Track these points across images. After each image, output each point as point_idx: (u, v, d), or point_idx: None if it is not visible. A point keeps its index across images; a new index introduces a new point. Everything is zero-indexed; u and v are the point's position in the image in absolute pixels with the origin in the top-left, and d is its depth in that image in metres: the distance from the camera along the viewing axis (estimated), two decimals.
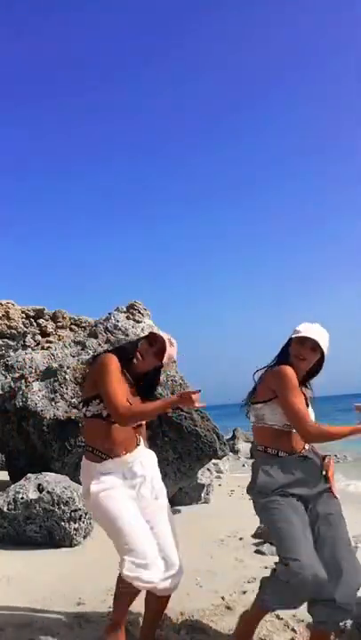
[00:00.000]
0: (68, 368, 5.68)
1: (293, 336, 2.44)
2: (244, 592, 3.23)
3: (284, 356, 2.49)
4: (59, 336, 6.85)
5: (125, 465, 2.41)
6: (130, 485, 2.42)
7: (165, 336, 2.51)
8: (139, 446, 2.50)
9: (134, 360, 2.48)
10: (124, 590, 2.31)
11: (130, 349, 2.54)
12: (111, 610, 2.90)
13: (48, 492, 4.29)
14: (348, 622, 2.65)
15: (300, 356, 2.41)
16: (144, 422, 2.61)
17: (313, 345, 2.40)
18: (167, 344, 2.48)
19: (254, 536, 4.48)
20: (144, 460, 2.50)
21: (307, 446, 2.44)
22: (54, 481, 4.42)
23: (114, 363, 2.41)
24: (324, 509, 2.36)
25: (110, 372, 2.36)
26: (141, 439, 2.56)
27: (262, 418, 2.45)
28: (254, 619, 2.43)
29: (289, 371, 2.37)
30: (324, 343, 2.41)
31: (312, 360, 2.44)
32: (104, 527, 2.36)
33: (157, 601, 2.40)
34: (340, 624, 2.44)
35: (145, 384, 2.58)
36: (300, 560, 2.08)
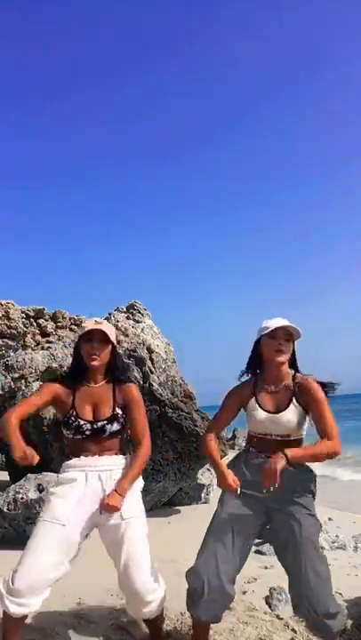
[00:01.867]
0: (67, 368, 5.68)
1: (263, 334, 2.39)
2: (244, 592, 3.24)
3: (254, 362, 2.49)
4: (59, 336, 6.85)
5: (85, 465, 2.37)
6: (88, 493, 2.32)
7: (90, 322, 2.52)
8: (108, 456, 2.41)
9: (87, 362, 2.44)
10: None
11: (75, 361, 2.55)
12: (111, 610, 2.91)
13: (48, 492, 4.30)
14: (349, 622, 2.65)
15: (278, 349, 2.37)
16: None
17: (286, 333, 2.37)
18: (91, 324, 2.45)
19: None
20: (114, 474, 2.37)
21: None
22: (54, 481, 4.42)
23: (45, 386, 2.54)
24: (289, 526, 2.30)
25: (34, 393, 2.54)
26: (117, 454, 2.45)
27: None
28: (195, 629, 2.39)
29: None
30: (294, 329, 2.38)
31: (289, 350, 2.40)
32: None
33: (148, 623, 2.45)
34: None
35: (109, 371, 2.51)
36: (194, 565, 2.25)
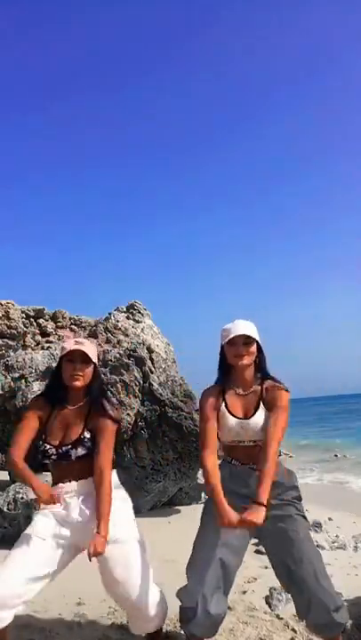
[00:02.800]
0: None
1: (223, 343, 2.38)
2: (244, 592, 3.24)
3: (223, 369, 2.46)
4: (59, 336, 6.85)
5: (67, 492, 2.32)
6: (69, 515, 2.29)
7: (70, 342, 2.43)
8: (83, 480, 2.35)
9: (68, 383, 2.37)
10: None
11: (52, 378, 2.48)
12: (111, 610, 2.90)
13: None
14: (349, 622, 2.65)
15: (238, 355, 2.35)
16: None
17: (244, 340, 2.35)
18: (72, 344, 2.39)
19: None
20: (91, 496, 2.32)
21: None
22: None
23: (30, 408, 2.43)
24: (280, 526, 2.29)
25: (22, 420, 2.41)
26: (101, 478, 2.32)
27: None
28: None
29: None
30: (252, 332, 2.36)
31: (251, 353, 2.37)
32: None
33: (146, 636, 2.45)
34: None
35: (89, 394, 2.43)
36: (187, 585, 2.19)
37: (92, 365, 2.40)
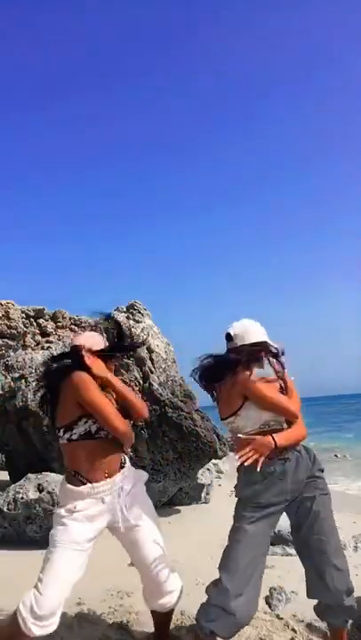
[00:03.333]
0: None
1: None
2: None
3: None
4: (59, 336, 6.84)
5: (104, 490, 2.29)
6: (104, 512, 2.30)
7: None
8: (123, 468, 2.38)
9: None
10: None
11: (75, 360, 2.40)
12: (111, 610, 2.91)
13: (48, 492, 4.30)
14: (349, 622, 2.65)
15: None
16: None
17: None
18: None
19: None
20: (126, 485, 2.36)
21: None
22: (54, 481, 4.42)
23: (90, 378, 2.30)
24: (310, 508, 2.31)
25: (95, 389, 2.28)
26: (127, 459, 2.45)
27: (238, 429, 2.36)
28: None
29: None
30: (243, 335, 2.39)
31: None
32: (46, 554, 2.28)
33: (160, 615, 2.45)
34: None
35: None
36: (242, 597, 2.16)
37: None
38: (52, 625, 2.15)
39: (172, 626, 2.67)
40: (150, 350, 5.81)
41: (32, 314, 6.66)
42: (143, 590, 2.42)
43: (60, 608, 2.20)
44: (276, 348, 2.40)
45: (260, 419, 2.30)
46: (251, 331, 2.40)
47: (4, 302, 6.46)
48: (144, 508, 2.40)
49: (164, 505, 5.83)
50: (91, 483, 2.26)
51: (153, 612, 2.47)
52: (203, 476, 6.25)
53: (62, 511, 2.27)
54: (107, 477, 2.29)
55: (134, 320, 6.21)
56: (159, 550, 2.37)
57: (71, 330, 7.02)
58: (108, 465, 2.31)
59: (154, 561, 2.33)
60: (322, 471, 2.41)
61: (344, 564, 2.28)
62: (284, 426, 2.33)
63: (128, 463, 2.44)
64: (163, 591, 2.35)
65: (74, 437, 2.29)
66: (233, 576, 2.18)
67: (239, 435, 2.28)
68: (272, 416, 2.31)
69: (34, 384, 5.62)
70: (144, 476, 2.50)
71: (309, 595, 2.34)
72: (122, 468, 2.37)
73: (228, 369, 2.34)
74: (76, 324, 7.33)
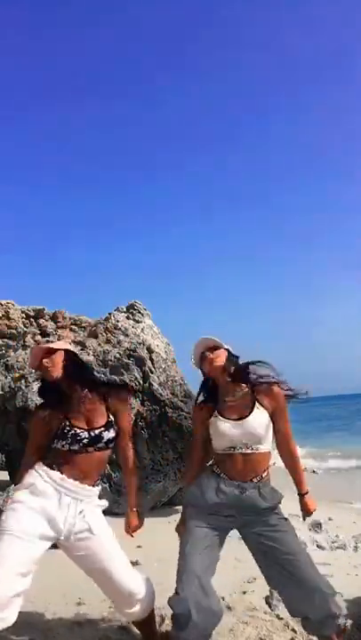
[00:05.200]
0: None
1: (196, 364, 2.51)
2: (244, 592, 3.24)
3: (206, 385, 2.53)
4: (59, 336, 6.84)
5: (69, 489, 2.28)
6: (55, 512, 2.24)
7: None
8: (96, 487, 2.38)
9: (46, 378, 2.43)
10: None
11: (42, 384, 2.53)
12: (111, 610, 2.90)
13: None
14: (349, 622, 2.64)
15: (206, 358, 2.43)
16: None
17: (205, 347, 2.46)
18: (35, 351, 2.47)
19: None
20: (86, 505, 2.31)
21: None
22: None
23: (33, 418, 2.44)
24: (267, 529, 2.29)
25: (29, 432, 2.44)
26: (98, 487, 2.41)
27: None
28: None
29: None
30: (212, 338, 2.46)
31: (219, 355, 2.42)
32: None
33: (138, 624, 2.47)
34: (341, 623, 2.42)
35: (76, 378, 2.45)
36: (179, 593, 2.13)
37: (57, 353, 2.41)
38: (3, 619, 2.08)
39: (171, 627, 2.67)
40: (150, 350, 5.81)
41: (32, 314, 6.66)
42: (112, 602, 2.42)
43: (10, 603, 2.09)
44: None
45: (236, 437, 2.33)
46: None
47: (3, 302, 6.46)
48: (96, 524, 2.32)
49: (164, 505, 5.83)
50: (62, 474, 2.29)
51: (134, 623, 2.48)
52: None
53: (18, 494, 2.27)
54: (77, 481, 2.30)
55: (134, 320, 6.21)
56: (116, 560, 2.30)
57: (71, 330, 7.03)
58: (84, 473, 2.32)
59: (111, 573, 2.27)
60: (273, 509, 2.34)
61: (317, 573, 2.22)
62: (255, 450, 2.31)
63: (99, 488, 2.41)
64: (128, 601, 2.31)
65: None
66: (180, 580, 2.20)
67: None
68: (250, 437, 2.31)
69: (34, 384, 5.62)
70: (103, 504, 2.45)
71: (295, 614, 2.26)
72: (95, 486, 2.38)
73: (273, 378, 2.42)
74: (76, 324, 7.33)
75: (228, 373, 2.42)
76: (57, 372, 2.39)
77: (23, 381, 5.67)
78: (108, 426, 2.37)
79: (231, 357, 2.46)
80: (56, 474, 2.28)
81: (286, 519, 2.36)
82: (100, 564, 2.27)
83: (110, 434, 2.37)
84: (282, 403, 2.37)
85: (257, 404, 2.34)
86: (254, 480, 2.30)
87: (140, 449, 5.37)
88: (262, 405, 2.34)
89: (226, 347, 2.48)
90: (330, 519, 5.73)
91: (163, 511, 5.63)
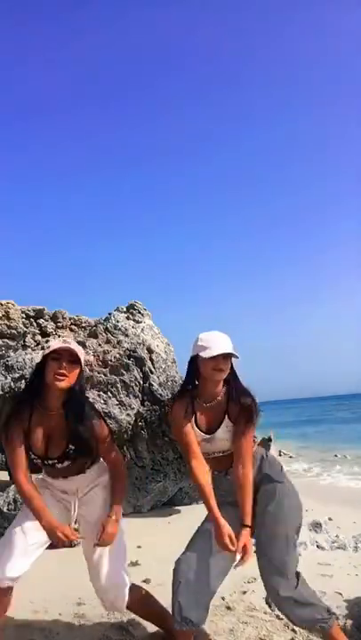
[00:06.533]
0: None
1: (205, 356, 2.25)
2: (244, 592, 3.24)
3: (191, 377, 2.38)
4: (59, 336, 6.84)
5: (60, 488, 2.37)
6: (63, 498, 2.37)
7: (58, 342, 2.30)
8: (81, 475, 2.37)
9: (51, 382, 2.21)
10: None
11: (34, 376, 2.32)
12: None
13: None
14: (349, 622, 2.65)
15: (218, 369, 2.28)
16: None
17: (225, 357, 2.28)
18: (59, 342, 2.26)
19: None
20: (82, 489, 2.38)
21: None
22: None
23: (8, 431, 2.25)
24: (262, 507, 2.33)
25: (6, 446, 2.28)
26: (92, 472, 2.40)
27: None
28: None
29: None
30: (232, 348, 2.29)
31: (228, 368, 2.32)
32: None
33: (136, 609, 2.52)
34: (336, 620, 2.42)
35: (70, 406, 2.28)
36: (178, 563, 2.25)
37: (79, 368, 2.25)
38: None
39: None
40: (150, 350, 5.81)
41: (32, 314, 6.65)
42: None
43: (23, 564, 2.22)
44: None
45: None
46: None
47: (4, 302, 6.45)
48: (94, 510, 2.38)
49: (164, 505, 5.83)
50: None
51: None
52: None
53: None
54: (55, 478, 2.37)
55: (134, 320, 6.21)
56: (117, 552, 2.37)
57: (71, 330, 7.03)
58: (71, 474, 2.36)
59: (103, 565, 2.34)
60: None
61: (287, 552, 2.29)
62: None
63: (86, 475, 2.40)
64: (107, 589, 2.35)
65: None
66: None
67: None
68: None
69: None
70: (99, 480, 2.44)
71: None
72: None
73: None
74: (76, 324, 7.33)
75: (221, 383, 2.35)
76: (66, 385, 2.23)
77: (23, 381, 5.67)
78: (62, 458, 2.28)
79: (232, 369, 2.37)
80: (44, 478, 2.38)
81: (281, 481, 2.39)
82: (93, 550, 2.32)
83: (65, 464, 2.30)
84: (250, 421, 2.32)
85: (226, 417, 2.32)
86: (229, 470, 2.38)
87: (140, 449, 5.37)
88: (230, 418, 2.32)
89: (236, 355, 2.32)
90: (330, 519, 5.73)
91: (163, 511, 5.63)
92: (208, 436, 2.34)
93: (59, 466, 2.31)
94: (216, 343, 2.28)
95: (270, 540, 2.26)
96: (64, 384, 2.21)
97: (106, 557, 2.33)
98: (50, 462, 2.30)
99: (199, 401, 2.36)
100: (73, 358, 2.22)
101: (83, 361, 2.26)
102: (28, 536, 2.24)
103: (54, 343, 2.27)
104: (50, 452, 2.29)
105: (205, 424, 2.35)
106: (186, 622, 2.17)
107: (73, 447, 2.27)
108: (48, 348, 2.28)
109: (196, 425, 2.34)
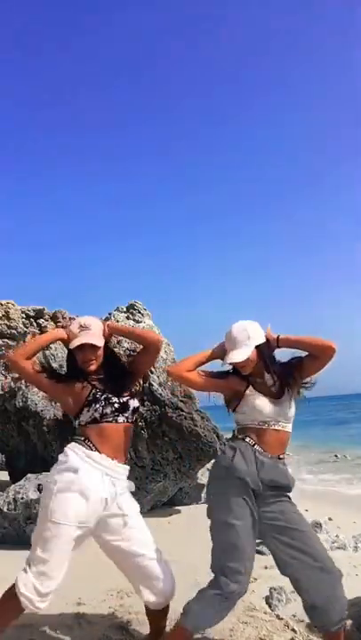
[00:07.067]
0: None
1: (229, 362, 2.38)
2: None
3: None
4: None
5: (108, 467, 2.31)
6: (100, 492, 2.27)
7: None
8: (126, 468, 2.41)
9: (85, 369, 2.41)
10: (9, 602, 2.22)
11: (69, 365, 2.51)
12: (111, 610, 2.91)
13: None
14: (349, 622, 2.65)
15: (241, 366, 2.39)
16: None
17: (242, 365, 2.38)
18: (78, 338, 2.40)
19: None
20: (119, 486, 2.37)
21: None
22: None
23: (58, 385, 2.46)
24: (279, 508, 2.32)
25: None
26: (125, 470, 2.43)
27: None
28: None
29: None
30: (246, 352, 2.34)
31: (252, 359, 2.37)
32: (38, 520, 2.29)
33: (155, 613, 2.42)
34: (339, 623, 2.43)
35: (110, 374, 2.46)
36: (242, 574, 2.24)
37: (102, 345, 2.44)
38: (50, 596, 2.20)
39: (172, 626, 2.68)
40: None
41: (32, 314, 6.65)
42: (137, 587, 2.37)
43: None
44: None
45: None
46: None
47: (4, 302, 6.46)
48: (132, 507, 2.40)
49: (164, 505, 5.84)
50: (100, 453, 2.31)
51: (148, 611, 2.46)
52: (203, 476, 6.25)
53: (59, 477, 2.26)
54: (111, 459, 2.33)
55: (134, 320, 6.21)
56: (152, 546, 2.35)
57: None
58: (116, 449, 2.35)
59: (146, 556, 2.31)
60: (289, 490, 2.40)
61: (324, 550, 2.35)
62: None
63: (127, 468, 2.44)
64: (156, 586, 2.32)
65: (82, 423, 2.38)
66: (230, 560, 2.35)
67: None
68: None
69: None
70: (132, 486, 2.49)
71: (304, 596, 2.34)
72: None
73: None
74: None
75: (264, 366, 2.40)
76: (96, 367, 2.43)
77: (23, 381, 5.67)
78: (134, 394, 2.48)
79: (263, 351, 2.40)
80: (94, 453, 2.30)
81: (294, 504, 2.39)
82: (133, 549, 2.29)
83: (135, 403, 2.43)
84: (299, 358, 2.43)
85: (286, 388, 2.39)
86: (281, 456, 2.37)
87: (140, 449, 5.37)
88: (290, 388, 2.40)
89: (256, 343, 2.37)
90: (330, 519, 5.74)
91: (163, 511, 5.64)
92: (276, 400, 2.37)
93: (131, 402, 2.40)
94: (233, 353, 2.37)
95: (305, 539, 2.28)
96: (94, 367, 2.42)
97: (149, 547, 2.33)
98: (125, 398, 2.39)
99: (254, 379, 2.43)
100: (94, 348, 2.41)
101: (103, 334, 2.46)
102: (68, 545, 2.22)
103: (74, 338, 2.42)
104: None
105: (269, 393, 2.38)
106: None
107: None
108: (72, 343, 2.41)
109: (259, 392, 2.39)
